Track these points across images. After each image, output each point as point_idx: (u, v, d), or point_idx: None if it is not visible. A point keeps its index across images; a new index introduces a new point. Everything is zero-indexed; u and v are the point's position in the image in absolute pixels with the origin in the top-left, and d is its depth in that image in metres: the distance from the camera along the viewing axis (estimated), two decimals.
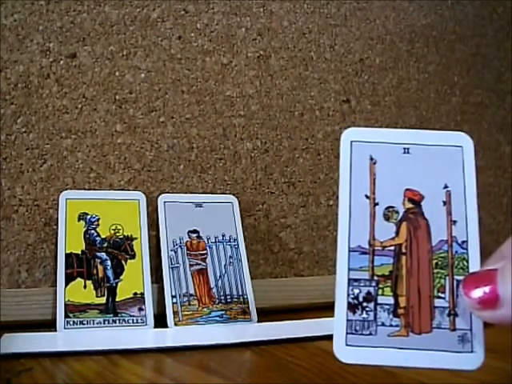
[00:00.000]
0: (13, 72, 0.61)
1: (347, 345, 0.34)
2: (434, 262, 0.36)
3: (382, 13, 0.80)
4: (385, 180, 0.37)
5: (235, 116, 0.71)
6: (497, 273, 0.32)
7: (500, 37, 0.88)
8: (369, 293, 0.35)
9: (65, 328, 0.57)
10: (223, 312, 0.62)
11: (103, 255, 0.61)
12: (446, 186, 0.37)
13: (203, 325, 0.60)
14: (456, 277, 0.35)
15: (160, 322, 0.60)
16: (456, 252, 0.36)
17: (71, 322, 0.57)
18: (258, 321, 0.62)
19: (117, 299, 0.59)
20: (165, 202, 0.65)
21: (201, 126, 0.69)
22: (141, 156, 0.66)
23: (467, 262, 0.35)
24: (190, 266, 0.63)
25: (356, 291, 0.35)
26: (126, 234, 0.62)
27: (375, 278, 0.35)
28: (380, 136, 0.38)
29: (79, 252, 0.60)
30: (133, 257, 0.61)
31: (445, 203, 0.37)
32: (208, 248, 0.64)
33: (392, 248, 0.36)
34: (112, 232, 0.62)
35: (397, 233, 0.36)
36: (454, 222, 0.36)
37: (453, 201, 0.36)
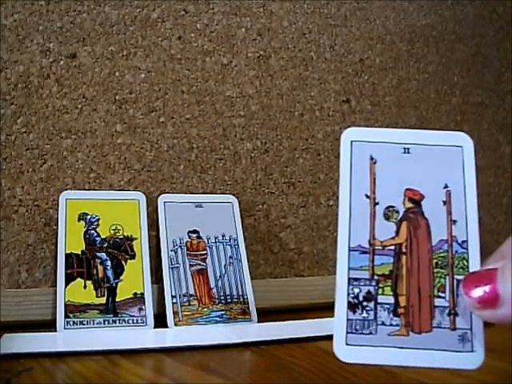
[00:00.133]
0: (13, 72, 0.61)
1: (347, 344, 0.34)
2: (434, 261, 0.36)
3: (382, 13, 0.80)
4: (385, 180, 0.37)
5: (235, 116, 0.71)
6: (497, 272, 0.32)
7: (500, 37, 0.88)
8: (369, 292, 0.35)
9: (65, 328, 0.56)
10: (223, 312, 0.62)
11: (103, 255, 0.61)
12: (446, 186, 0.37)
13: (203, 325, 0.60)
14: (456, 276, 0.35)
15: (160, 322, 0.60)
16: (456, 251, 0.36)
17: (71, 322, 0.57)
18: (258, 321, 0.62)
19: (117, 299, 0.59)
20: (165, 202, 0.65)
21: (201, 126, 0.69)
22: (141, 156, 0.66)
23: (467, 261, 0.36)
24: (190, 266, 0.63)
25: (356, 290, 0.35)
26: (125, 234, 0.62)
27: (375, 277, 0.35)
28: (380, 136, 0.38)
29: (79, 252, 0.60)
30: (133, 257, 0.61)
31: (445, 203, 0.37)
32: (208, 248, 0.64)
33: (392, 247, 0.36)
34: (112, 232, 0.62)
35: (397, 232, 0.36)
36: (454, 221, 0.36)
37: (453, 200, 0.37)
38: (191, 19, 0.69)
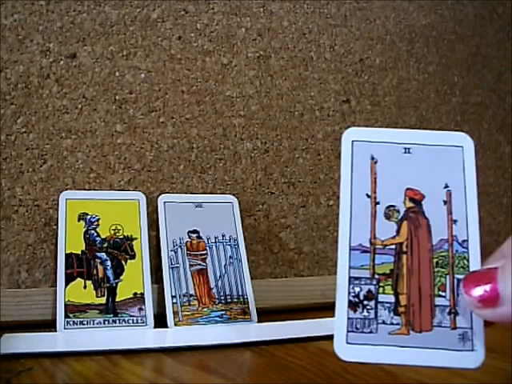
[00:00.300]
0: (13, 72, 0.61)
1: (348, 343, 0.34)
2: (435, 260, 0.36)
3: (382, 13, 0.80)
4: (386, 179, 0.37)
5: (235, 116, 0.71)
6: (497, 271, 0.32)
7: (500, 37, 0.88)
8: (369, 291, 0.35)
9: (65, 328, 0.56)
10: (223, 312, 0.62)
11: (103, 255, 0.61)
12: (446, 186, 0.37)
13: (203, 325, 0.60)
14: (456, 275, 0.35)
15: (160, 322, 0.60)
16: (456, 251, 0.36)
17: (71, 322, 0.57)
18: (258, 321, 0.62)
19: (117, 299, 0.59)
20: (165, 202, 0.65)
21: (201, 126, 0.69)
22: (141, 156, 0.66)
23: (467, 260, 0.36)
24: (190, 266, 0.63)
25: (357, 289, 0.35)
26: (126, 234, 0.62)
27: (376, 276, 0.35)
28: (381, 136, 0.38)
29: (79, 252, 0.60)
30: (133, 257, 0.61)
31: (445, 202, 0.37)
32: (208, 248, 0.64)
33: (393, 247, 0.36)
34: (112, 232, 0.62)
35: (398, 232, 0.36)
36: (455, 221, 0.36)
37: (453, 200, 0.37)
38: (191, 19, 0.69)
